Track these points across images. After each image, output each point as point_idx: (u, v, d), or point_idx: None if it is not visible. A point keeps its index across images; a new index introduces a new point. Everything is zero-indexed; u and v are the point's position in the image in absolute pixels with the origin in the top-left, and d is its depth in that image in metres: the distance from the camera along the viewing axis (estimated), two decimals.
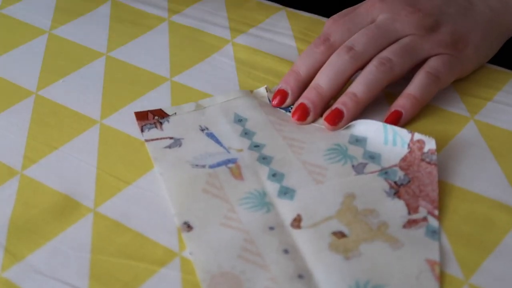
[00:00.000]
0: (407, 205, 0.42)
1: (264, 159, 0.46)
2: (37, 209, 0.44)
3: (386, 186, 0.43)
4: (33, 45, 0.61)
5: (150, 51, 0.59)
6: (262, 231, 0.41)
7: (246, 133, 0.48)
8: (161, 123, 0.49)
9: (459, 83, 0.52)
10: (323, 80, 0.48)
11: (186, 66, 0.56)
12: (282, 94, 0.50)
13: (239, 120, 0.49)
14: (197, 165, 0.45)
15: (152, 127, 0.49)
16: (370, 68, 0.48)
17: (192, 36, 0.60)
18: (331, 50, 0.50)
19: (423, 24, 0.49)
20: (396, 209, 0.42)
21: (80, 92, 0.54)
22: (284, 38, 0.59)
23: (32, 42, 0.61)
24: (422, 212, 0.41)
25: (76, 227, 0.43)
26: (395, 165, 0.44)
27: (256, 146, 0.47)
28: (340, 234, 0.40)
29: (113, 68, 0.57)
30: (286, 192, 0.43)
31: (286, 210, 0.42)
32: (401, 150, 0.45)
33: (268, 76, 0.54)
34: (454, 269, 0.38)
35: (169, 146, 0.47)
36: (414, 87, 0.48)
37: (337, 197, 0.42)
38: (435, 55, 0.49)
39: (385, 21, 0.50)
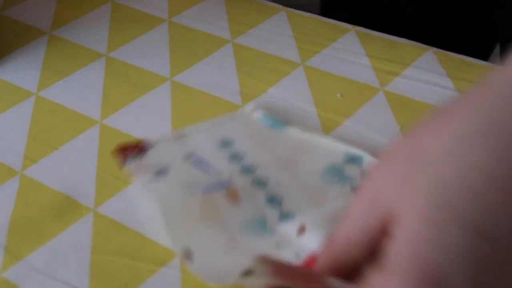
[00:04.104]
0: None
1: (259, 184, 0.44)
2: (37, 209, 0.44)
3: None
4: (34, 46, 0.61)
5: (150, 51, 0.59)
6: (269, 250, 0.40)
7: (235, 157, 0.46)
8: (143, 154, 0.46)
9: (459, 81, 0.52)
10: None
11: (186, 66, 0.56)
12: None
13: (226, 143, 0.47)
14: (189, 192, 0.43)
15: (135, 158, 0.46)
16: None
17: (192, 36, 0.60)
18: None
19: None
20: None
21: (80, 92, 0.54)
22: (284, 38, 0.59)
23: (33, 43, 0.61)
24: None
25: (76, 226, 0.43)
26: None
27: (247, 170, 0.45)
28: None
29: (113, 68, 0.57)
30: (287, 216, 0.42)
31: (290, 228, 0.41)
32: None
33: (269, 76, 0.54)
34: None
35: (156, 175, 0.44)
36: None
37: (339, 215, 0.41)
38: None
39: None
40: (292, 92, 0.53)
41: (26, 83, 0.56)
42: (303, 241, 0.40)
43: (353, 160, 0.45)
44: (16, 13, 0.66)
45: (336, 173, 0.45)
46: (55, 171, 0.47)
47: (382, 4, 0.70)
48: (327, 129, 0.49)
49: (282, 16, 0.62)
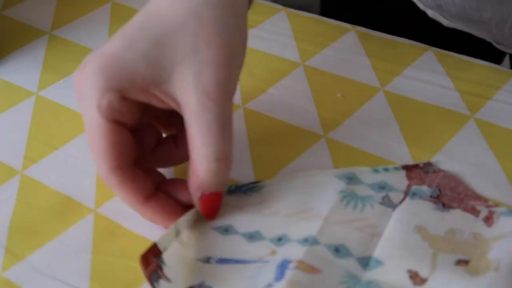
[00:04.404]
0: (466, 210, 0.40)
1: (306, 241, 0.39)
2: (37, 209, 0.44)
3: (429, 204, 0.41)
4: (34, 46, 0.61)
5: None
6: None
7: (253, 237, 0.40)
8: (161, 268, 0.38)
9: (459, 81, 0.52)
10: None
11: None
12: None
13: (225, 230, 0.41)
14: None
15: (159, 278, 0.38)
16: None
17: None
18: None
19: None
20: (462, 219, 0.40)
21: None
22: (284, 38, 0.59)
23: (33, 43, 0.61)
24: (483, 210, 0.40)
25: (76, 227, 0.43)
26: (411, 185, 0.42)
27: (279, 240, 0.40)
28: (464, 262, 0.37)
29: None
30: (366, 263, 0.38)
31: (393, 273, 0.37)
32: (397, 171, 0.43)
33: (269, 76, 0.54)
34: None
35: None
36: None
37: (413, 237, 0.39)
38: None
39: None
40: (292, 92, 0.53)
41: (26, 83, 0.56)
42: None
43: (350, 180, 0.43)
44: (16, 13, 0.66)
45: (352, 198, 0.42)
46: (55, 171, 0.47)
47: (382, 4, 0.70)
48: (327, 129, 0.49)
49: (282, 16, 0.62)
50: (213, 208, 0.41)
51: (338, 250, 0.38)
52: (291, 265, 0.37)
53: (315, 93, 0.52)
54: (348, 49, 0.57)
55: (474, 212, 0.40)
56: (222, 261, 0.39)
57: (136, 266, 0.40)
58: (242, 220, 0.41)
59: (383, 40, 0.58)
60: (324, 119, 0.50)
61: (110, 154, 0.39)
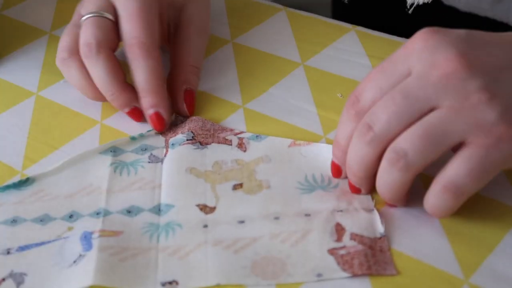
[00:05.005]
0: (220, 142, 0.47)
1: (99, 214, 0.43)
2: None
3: (189, 147, 0.47)
4: (34, 46, 0.61)
5: None
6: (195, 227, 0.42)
7: (42, 220, 0.43)
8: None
9: None
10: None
11: None
12: (337, 169, 0.44)
13: (13, 221, 0.43)
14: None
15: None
16: (384, 165, 0.39)
17: None
18: (361, 115, 0.41)
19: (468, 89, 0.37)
20: (221, 151, 0.47)
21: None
22: (284, 38, 0.59)
23: (33, 43, 0.61)
24: (233, 139, 0.47)
25: None
26: (167, 139, 0.48)
27: (71, 217, 0.43)
28: (239, 185, 0.44)
29: None
30: (158, 210, 0.43)
31: (185, 211, 0.42)
32: (151, 133, 0.49)
33: (269, 76, 0.54)
34: (454, 269, 0.38)
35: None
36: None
37: (188, 178, 0.44)
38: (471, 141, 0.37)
39: (416, 83, 0.38)
40: (292, 92, 0.53)
41: (26, 83, 0.56)
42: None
43: (114, 152, 0.47)
44: (16, 13, 0.66)
45: (123, 166, 0.46)
46: None
47: (389, 7, 0.70)
48: (327, 129, 0.49)
49: (282, 16, 0.62)
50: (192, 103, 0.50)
51: (130, 211, 0.43)
52: (94, 235, 0.40)
53: (315, 93, 0.52)
54: (348, 49, 0.57)
55: (227, 142, 0.47)
56: (23, 248, 0.41)
57: None
58: (26, 209, 0.44)
59: (383, 40, 0.58)
60: (324, 119, 0.50)
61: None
